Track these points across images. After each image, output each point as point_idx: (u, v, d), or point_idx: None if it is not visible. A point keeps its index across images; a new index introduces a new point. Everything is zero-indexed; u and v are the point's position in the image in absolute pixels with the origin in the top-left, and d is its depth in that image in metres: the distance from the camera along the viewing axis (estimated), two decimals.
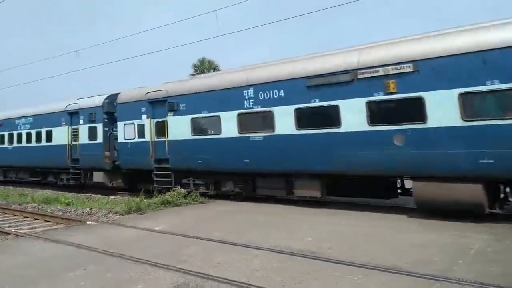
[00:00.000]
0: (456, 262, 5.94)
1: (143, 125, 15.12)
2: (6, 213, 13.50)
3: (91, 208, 13.21)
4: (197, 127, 13.62)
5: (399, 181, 10.89)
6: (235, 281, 5.47)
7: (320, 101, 10.69)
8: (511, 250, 6.44)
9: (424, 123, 9.03)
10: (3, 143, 23.23)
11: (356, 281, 5.36)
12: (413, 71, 9.22)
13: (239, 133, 12.38)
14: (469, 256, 6.25)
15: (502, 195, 8.85)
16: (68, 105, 18.92)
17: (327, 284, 5.29)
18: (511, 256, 6.11)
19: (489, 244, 6.80)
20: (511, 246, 6.67)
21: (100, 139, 17.24)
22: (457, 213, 8.80)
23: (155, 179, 14.84)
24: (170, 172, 14.48)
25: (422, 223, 8.70)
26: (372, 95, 9.78)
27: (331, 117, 10.49)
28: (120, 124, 16.15)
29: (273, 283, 5.37)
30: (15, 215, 13.09)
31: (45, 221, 11.92)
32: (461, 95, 8.58)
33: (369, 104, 9.83)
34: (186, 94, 13.93)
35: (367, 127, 9.85)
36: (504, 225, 8.15)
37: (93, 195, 17.14)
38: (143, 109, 15.12)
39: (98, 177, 18.06)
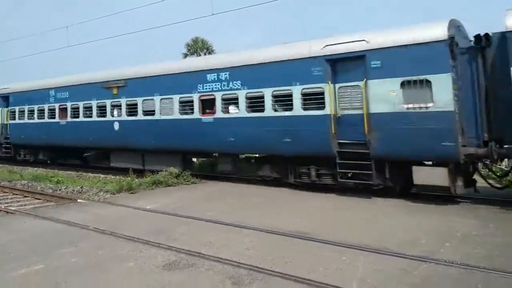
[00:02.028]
0: (443, 244, 6.09)
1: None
2: None
3: (81, 187, 13.15)
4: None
5: None
6: (227, 260, 5.55)
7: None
8: (495, 234, 6.60)
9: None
10: None
11: (344, 261, 5.47)
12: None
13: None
14: (455, 239, 6.40)
15: None
16: None
17: (316, 263, 5.39)
18: (495, 240, 6.26)
19: (474, 228, 6.97)
20: (496, 230, 6.84)
21: None
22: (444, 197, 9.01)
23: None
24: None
25: (409, 206, 8.85)
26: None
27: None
28: None
29: (263, 262, 5.46)
30: (4, 192, 12.97)
31: (35, 198, 11.85)
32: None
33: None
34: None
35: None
36: (489, 209, 8.33)
37: (83, 173, 17.05)
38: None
39: None
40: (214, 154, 13.91)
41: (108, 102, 15.62)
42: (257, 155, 12.87)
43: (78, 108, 16.85)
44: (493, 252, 5.68)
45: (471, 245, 6.04)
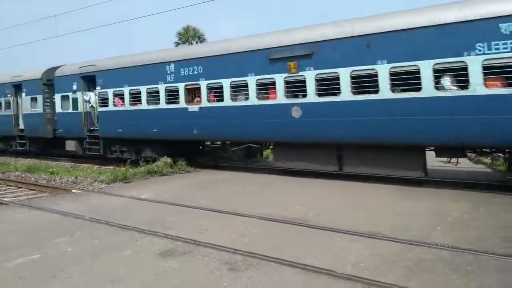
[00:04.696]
0: (434, 228, 6.19)
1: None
2: None
3: (76, 177, 13.14)
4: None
5: None
6: (223, 247, 5.59)
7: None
8: (486, 217, 6.72)
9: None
10: None
11: (338, 246, 5.55)
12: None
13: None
14: (447, 223, 6.50)
15: None
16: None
17: (313, 249, 5.46)
18: (486, 223, 6.38)
19: (466, 212, 7.08)
20: (487, 214, 6.96)
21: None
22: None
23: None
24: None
25: (402, 191, 8.95)
26: None
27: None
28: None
29: (260, 248, 5.50)
30: None
31: (29, 189, 11.81)
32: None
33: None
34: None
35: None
36: (481, 193, 8.45)
37: (77, 164, 16.98)
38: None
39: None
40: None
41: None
42: None
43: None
44: (484, 235, 5.78)
45: (463, 228, 6.15)
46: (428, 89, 8.84)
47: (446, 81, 8.79)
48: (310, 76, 10.50)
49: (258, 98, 11.48)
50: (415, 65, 8.96)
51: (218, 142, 14.54)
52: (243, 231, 6.38)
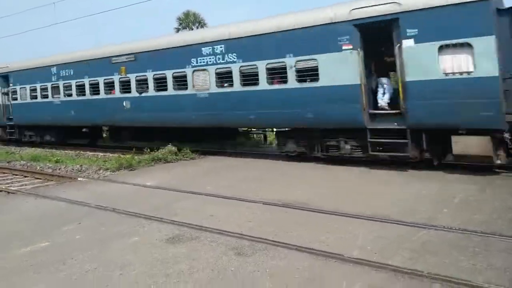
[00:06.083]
0: (441, 211, 6.18)
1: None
2: None
3: (81, 165, 13.18)
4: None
5: None
6: (229, 232, 5.63)
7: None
8: (493, 199, 6.69)
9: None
10: None
11: (345, 230, 5.56)
12: None
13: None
14: (453, 205, 6.49)
15: None
16: None
17: (317, 233, 5.48)
18: (492, 205, 6.36)
19: (472, 194, 7.05)
20: (493, 195, 6.93)
21: None
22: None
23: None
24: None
25: (407, 175, 8.93)
26: None
27: None
28: None
29: (265, 233, 5.53)
30: (4, 173, 12.98)
31: (35, 178, 11.88)
32: None
33: None
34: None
35: None
36: (487, 175, 8.41)
37: (82, 152, 17.04)
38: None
39: None
40: None
41: None
42: None
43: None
44: (490, 217, 5.77)
45: (469, 210, 6.13)
46: None
47: None
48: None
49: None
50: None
51: None
52: (249, 216, 6.40)
